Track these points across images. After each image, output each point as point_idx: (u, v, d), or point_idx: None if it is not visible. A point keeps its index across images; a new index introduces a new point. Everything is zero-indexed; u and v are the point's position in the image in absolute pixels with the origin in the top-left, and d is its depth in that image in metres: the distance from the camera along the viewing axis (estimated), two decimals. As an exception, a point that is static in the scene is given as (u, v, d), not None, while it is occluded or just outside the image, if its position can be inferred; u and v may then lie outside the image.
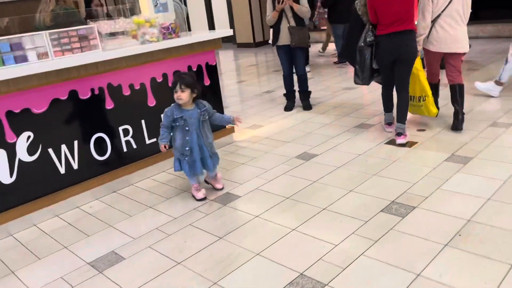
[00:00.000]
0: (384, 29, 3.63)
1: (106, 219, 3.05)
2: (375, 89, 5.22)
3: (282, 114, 5.12)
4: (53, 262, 2.60)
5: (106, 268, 2.47)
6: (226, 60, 10.24)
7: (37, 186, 3.09)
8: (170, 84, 3.75)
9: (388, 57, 3.68)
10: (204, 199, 3.14)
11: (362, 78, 3.91)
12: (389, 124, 4.09)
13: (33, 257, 2.68)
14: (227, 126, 4.28)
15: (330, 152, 3.77)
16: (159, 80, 3.71)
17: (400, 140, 3.73)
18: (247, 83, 7.26)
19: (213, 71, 4.11)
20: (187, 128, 3.01)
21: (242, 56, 10.44)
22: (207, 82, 4.07)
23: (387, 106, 4.04)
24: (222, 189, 3.26)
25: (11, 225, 2.98)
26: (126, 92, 3.51)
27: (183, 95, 2.91)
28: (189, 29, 13.45)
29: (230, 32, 4.20)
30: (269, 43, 5.43)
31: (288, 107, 5.25)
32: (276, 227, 2.68)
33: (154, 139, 3.67)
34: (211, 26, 13.10)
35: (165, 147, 3.00)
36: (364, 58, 3.79)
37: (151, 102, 3.67)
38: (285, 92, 5.34)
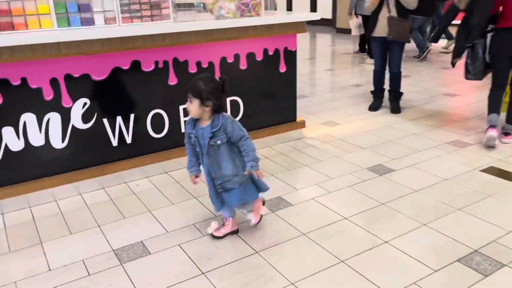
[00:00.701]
0: (505, 22, 3.45)
1: (148, 202, 2.87)
2: (481, 99, 4.43)
3: (364, 114, 4.57)
4: (81, 240, 2.47)
5: (129, 261, 2.26)
6: (321, 45, 9.70)
7: (87, 155, 2.99)
8: (241, 66, 3.45)
9: (507, 52, 3.48)
10: (213, 236, 2.42)
11: (474, 73, 3.69)
12: (493, 126, 3.54)
13: (66, 230, 2.57)
14: (297, 120, 3.88)
15: (410, 170, 3.21)
16: (230, 60, 3.40)
17: (506, 140, 3.61)
18: (336, 73, 6.72)
19: (291, 57, 3.70)
20: (197, 149, 2.29)
21: (339, 42, 9.80)
22: (282, 68, 3.68)
23: (494, 107, 3.60)
24: (257, 223, 2.46)
25: (57, 191, 2.92)
26: (192, 69, 3.25)
27: (191, 107, 2.15)
28: (290, 9, 13.04)
29: (315, 16, 3.73)
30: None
31: (374, 107, 4.67)
32: (320, 255, 2.26)
33: (215, 124, 3.40)
34: (313, 8, 12.52)
35: (196, 177, 2.34)
36: (477, 51, 3.58)
37: (218, 83, 3.39)
38: (373, 89, 4.76)
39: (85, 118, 2.93)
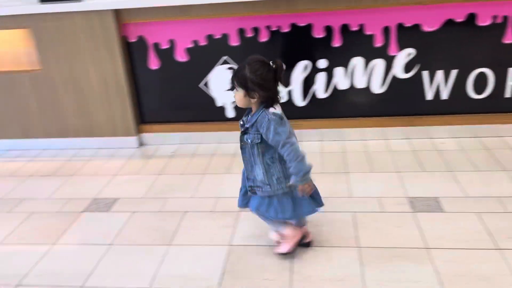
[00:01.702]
0: None
1: (450, 162, 2.80)
2: None
3: None
4: (380, 180, 2.66)
5: (421, 211, 2.32)
6: None
7: (399, 104, 3.12)
8: None
9: None
10: (283, 254, 2.02)
11: None
12: None
13: (368, 167, 2.83)
14: None
15: None
16: None
17: None
18: None
19: None
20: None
21: None
22: None
23: None
24: (281, 253, 2.01)
25: (366, 132, 3.20)
26: (538, 27, 2.81)
27: (236, 96, 1.80)
28: None
29: None
30: None
31: None
32: None
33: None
34: None
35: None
36: None
37: None
38: None
39: (407, 68, 3.02)
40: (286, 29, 3.01)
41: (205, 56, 3.15)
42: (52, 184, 2.90)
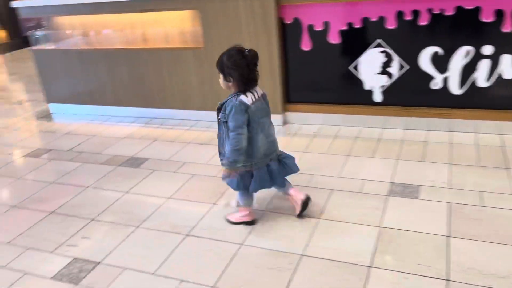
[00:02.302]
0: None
1: None
2: None
3: None
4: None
5: None
6: None
7: None
8: None
9: None
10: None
11: None
12: None
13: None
14: None
15: None
16: None
17: None
18: None
19: None
20: None
21: None
22: None
23: None
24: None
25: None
26: None
27: (219, 80, 2.10)
28: None
29: None
30: None
31: None
32: None
33: None
34: None
35: None
36: None
37: None
38: None
39: None
40: (449, 12, 2.85)
41: (358, 38, 3.15)
42: (208, 151, 3.21)
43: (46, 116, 4.37)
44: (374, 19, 3.06)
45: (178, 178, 2.85)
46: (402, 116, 3.23)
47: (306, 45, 3.32)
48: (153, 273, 1.99)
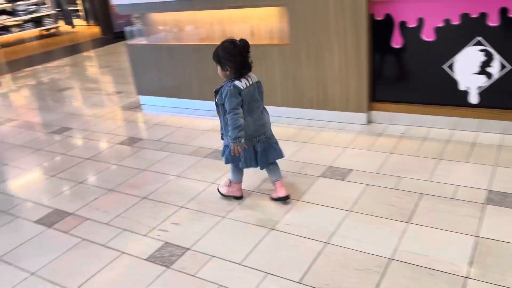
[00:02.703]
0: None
1: None
2: None
3: None
4: None
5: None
6: None
7: None
8: None
9: None
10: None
11: None
12: None
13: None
14: None
15: None
16: None
17: None
18: None
19: None
20: None
21: None
22: None
23: None
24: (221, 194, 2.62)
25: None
26: None
27: (218, 71, 2.35)
28: None
29: None
30: None
31: None
32: None
33: None
34: None
35: None
36: None
37: None
38: None
39: None
40: None
41: (455, 36, 2.97)
42: (290, 147, 3.22)
43: (136, 107, 4.64)
44: (474, 15, 2.87)
45: (262, 172, 2.89)
46: (501, 120, 3.00)
47: (396, 42, 3.20)
48: (239, 263, 2.04)
